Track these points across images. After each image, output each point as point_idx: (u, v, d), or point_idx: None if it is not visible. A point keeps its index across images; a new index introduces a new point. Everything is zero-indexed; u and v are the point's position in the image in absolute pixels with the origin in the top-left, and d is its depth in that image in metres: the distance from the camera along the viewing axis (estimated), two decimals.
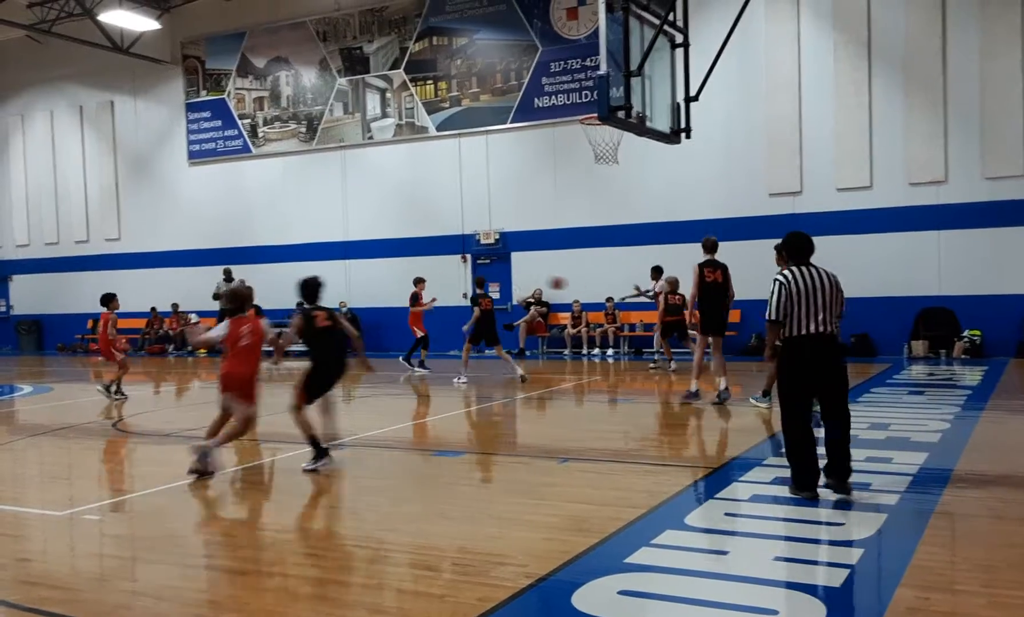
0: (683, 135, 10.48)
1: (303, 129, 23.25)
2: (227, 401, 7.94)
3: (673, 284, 15.15)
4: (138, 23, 22.52)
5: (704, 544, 5.50)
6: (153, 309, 24.91)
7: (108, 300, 14.01)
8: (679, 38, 9.96)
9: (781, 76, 18.02)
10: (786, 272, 6.35)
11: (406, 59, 21.79)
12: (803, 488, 6.24)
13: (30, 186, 27.68)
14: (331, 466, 8.05)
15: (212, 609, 4.72)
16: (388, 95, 22.10)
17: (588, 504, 6.72)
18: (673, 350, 15.94)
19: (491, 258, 21.32)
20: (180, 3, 24.05)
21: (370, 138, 22.41)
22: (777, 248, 9.25)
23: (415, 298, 16.90)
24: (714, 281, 11.09)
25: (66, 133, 26.96)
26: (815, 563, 5.17)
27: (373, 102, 22.30)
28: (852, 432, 6.38)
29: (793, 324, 6.25)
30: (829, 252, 17.25)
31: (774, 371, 11.93)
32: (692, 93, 10.15)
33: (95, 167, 26.52)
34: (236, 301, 8.32)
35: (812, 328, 6.22)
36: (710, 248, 11.24)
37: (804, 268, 6.35)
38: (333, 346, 8.31)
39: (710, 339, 11.29)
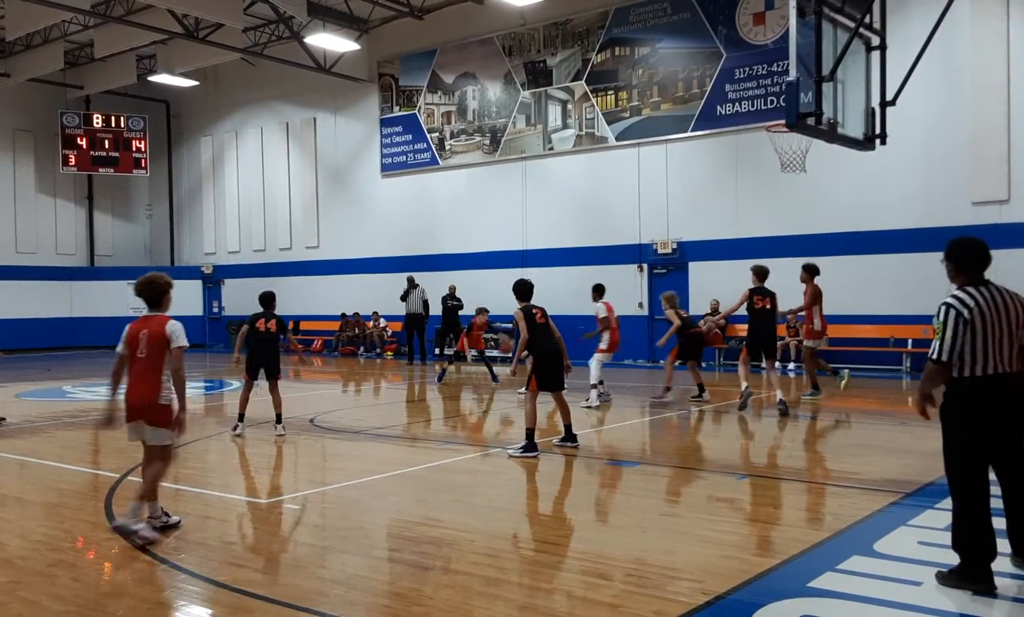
0: (878, 141, 9.97)
1: (487, 141, 23.92)
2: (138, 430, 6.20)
3: (673, 300, 13.98)
4: (339, 45, 23.99)
5: (895, 573, 5.22)
6: (344, 314, 26.35)
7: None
8: (875, 40, 9.48)
9: (988, 77, 16.74)
10: (960, 294, 4.84)
11: (588, 70, 21.96)
12: (976, 581, 4.87)
13: (242, 197, 30.13)
14: (535, 457, 8.94)
15: (397, 601, 4.97)
16: (569, 106, 22.35)
17: (768, 523, 6.53)
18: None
19: (668, 268, 21.09)
20: (377, 24, 25.41)
21: (550, 149, 22.75)
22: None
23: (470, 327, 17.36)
24: (763, 308, 12.34)
25: (274, 148, 29.12)
26: (1019, 600, 4.78)
27: (554, 113, 22.63)
28: None
29: (972, 362, 4.79)
30: None
31: (811, 365, 12.50)
32: (889, 97, 9.64)
33: (298, 179, 28.47)
34: (147, 292, 6.32)
35: (995, 367, 4.78)
36: (762, 276, 12.55)
37: (983, 288, 4.86)
38: (551, 340, 9.45)
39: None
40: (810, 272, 13.46)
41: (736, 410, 12.37)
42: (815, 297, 13.31)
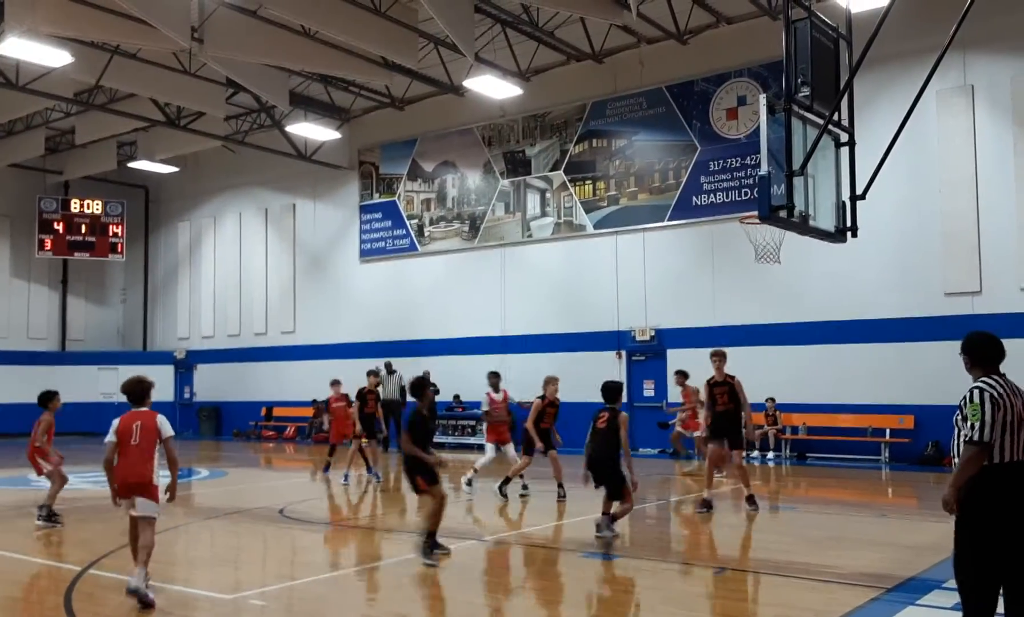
0: (849, 234, 10.13)
1: (466, 228, 24.12)
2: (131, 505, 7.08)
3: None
4: (321, 133, 24.31)
5: None
6: (315, 400, 25.98)
7: (48, 399, 10.75)
8: (844, 136, 9.71)
9: (956, 171, 17.16)
10: (988, 380, 4.86)
11: (566, 161, 22.33)
12: None
13: (218, 282, 30.03)
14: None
15: None
16: (548, 195, 22.65)
17: None
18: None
19: (646, 355, 21.11)
20: (359, 114, 25.83)
21: (529, 236, 22.96)
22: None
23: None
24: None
25: (252, 234, 29.17)
26: None
27: (533, 202, 22.91)
28: None
29: (1001, 448, 4.72)
30: (1015, 356, 16.07)
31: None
32: (859, 191, 9.82)
33: (276, 265, 28.47)
34: (136, 391, 7.35)
35: (1015, 455, 4.72)
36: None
37: (999, 377, 4.91)
38: (601, 444, 9.28)
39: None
40: (684, 376, 16.13)
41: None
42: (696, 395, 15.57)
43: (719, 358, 11.72)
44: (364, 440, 15.72)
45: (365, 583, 7.83)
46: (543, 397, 12.64)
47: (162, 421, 7.23)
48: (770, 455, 18.75)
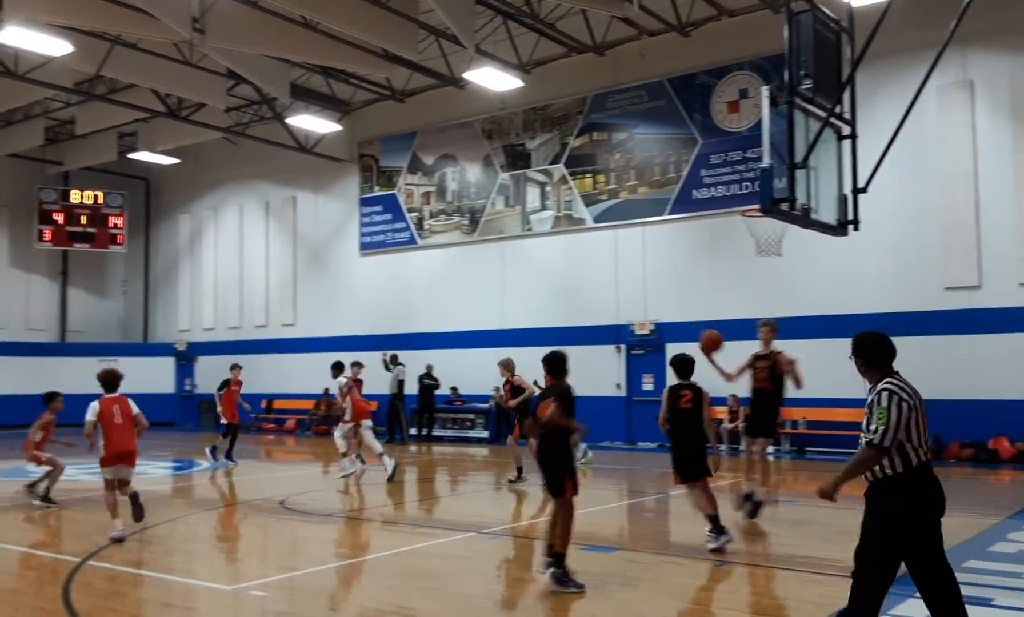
0: (851, 227, 10.13)
1: (466, 221, 24.10)
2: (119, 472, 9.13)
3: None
4: (321, 126, 24.26)
5: None
6: (327, 390, 25.95)
7: (50, 399, 11.98)
8: (846, 130, 9.71)
9: (956, 166, 17.15)
10: (897, 381, 4.71)
11: (566, 154, 22.30)
12: None
13: (218, 275, 30.00)
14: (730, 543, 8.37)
15: None
16: (547, 188, 22.63)
17: (749, 613, 6.38)
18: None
19: (645, 349, 21.11)
20: (359, 106, 25.79)
21: (529, 230, 22.94)
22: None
23: (226, 384, 17.23)
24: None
25: (253, 226, 29.14)
26: None
27: (533, 195, 22.89)
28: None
29: (912, 450, 4.63)
30: (1014, 351, 16.10)
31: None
32: (860, 184, 9.83)
33: (276, 258, 28.45)
34: (113, 381, 9.31)
35: (928, 455, 4.70)
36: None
37: (898, 376, 4.78)
38: (691, 427, 8.57)
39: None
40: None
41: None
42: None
43: (767, 328, 10.35)
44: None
45: (366, 574, 7.84)
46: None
47: (133, 403, 9.19)
48: (769, 449, 18.73)
